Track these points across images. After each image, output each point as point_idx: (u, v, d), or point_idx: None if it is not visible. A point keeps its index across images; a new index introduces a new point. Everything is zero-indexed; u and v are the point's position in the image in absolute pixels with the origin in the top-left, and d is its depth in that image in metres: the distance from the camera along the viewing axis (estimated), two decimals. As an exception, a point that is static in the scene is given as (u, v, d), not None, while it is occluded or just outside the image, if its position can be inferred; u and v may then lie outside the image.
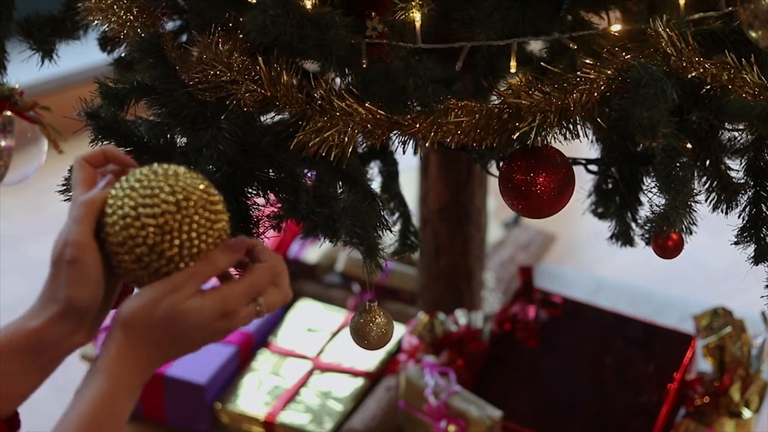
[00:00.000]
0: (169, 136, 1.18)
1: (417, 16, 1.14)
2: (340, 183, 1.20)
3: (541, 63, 1.17)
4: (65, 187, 1.18)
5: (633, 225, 1.41)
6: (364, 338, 1.14)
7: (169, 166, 0.92)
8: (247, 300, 0.90)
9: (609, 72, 1.11)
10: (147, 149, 1.17)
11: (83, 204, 0.90)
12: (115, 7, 1.20)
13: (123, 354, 0.88)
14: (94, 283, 0.90)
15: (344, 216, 1.12)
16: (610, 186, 1.41)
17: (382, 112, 1.11)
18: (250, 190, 1.17)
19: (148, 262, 0.89)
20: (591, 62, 1.12)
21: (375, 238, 1.15)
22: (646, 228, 1.13)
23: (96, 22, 1.22)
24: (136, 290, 0.92)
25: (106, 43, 1.41)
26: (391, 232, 1.21)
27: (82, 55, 1.93)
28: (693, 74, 1.09)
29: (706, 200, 1.21)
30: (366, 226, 1.14)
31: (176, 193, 0.89)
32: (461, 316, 1.91)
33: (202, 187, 0.91)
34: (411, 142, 1.14)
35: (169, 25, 1.28)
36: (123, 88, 1.19)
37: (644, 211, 1.28)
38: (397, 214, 1.39)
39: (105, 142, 1.17)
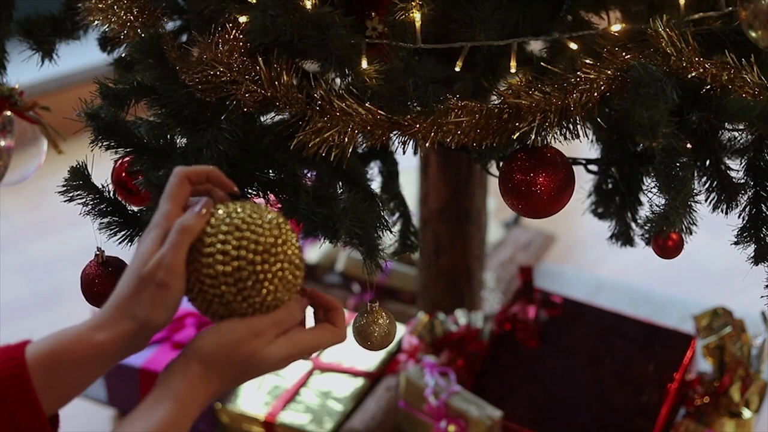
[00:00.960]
0: (169, 136, 1.18)
1: (417, 16, 1.14)
2: (340, 183, 1.20)
3: (541, 63, 1.17)
4: (65, 188, 1.18)
5: (633, 225, 1.41)
6: (366, 339, 1.14)
7: (274, 213, 0.95)
8: (309, 353, 0.97)
9: (609, 72, 1.11)
10: (147, 150, 1.17)
11: (185, 230, 0.91)
12: (115, 7, 1.20)
13: (197, 384, 0.92)
14: (174, 308, 0.92)
15: (344, 216, 1.12)
16: (610, 186, 1.41)
17: (382, 113, 1.11)
18: (250, 191, 1.17)
19: (230, 300, 0.92)
20: (591, 62, 1.12)
21: (375, 238, 1.16)
22: (646, 228, 1.13)
23: (96, 22, 1.22)
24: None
25: (106, 43, 1.41)
26: (391, 232, 1.22)
27: (82, 55, 1.93)
28: (693, 74, 1.09)
29: (706, 200, 1.21)
30: (366, 226, 1.15)
31: (277, 246, 0.93)
32: (461, 316, 1.91)
33: (296, 243, 0.95)
34: (411, 142, 1.14)
35: (169, 25, 1.28)
36: (123, 88, 1.19)
37: (644, 211, 1.28)
38: (397, 215, 1.39)
39: (105, 143, 1.17)
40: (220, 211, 0.94)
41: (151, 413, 0.90)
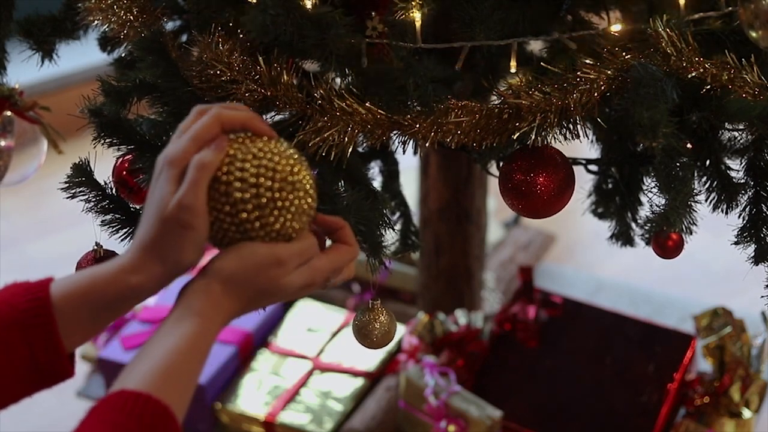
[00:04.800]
0: (171, 134, 1.17)
1: (417, 15, 1.14)
2: (342, 182, 1.20)
3: (541, 63, 1.17)
4: (68, 185, 1.18)
5: (633, 225, 1.41)
6: (366, 337, 1.14)
7: (289, 145, 0.95)
8: (329, 275, 0.96)
9: (609, 72, 1.11)
10: (149, 147, 1.17)
11: (202, 167, 0.90)
12: (115, 7, 1.20)
13: (218, 303, 0.91)
14: (202, 247, 0.92)
15: (348, 214, 1.12)
16: (610, 186, 1.41)
17: (383, 112, 1.11)
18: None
19: (248, 228, 0.92)
20: (591, 62, 1.12)
21: (379, 235, 1.16)
22: (646, 228, 1.13)
23: (96, 22, 1.22)
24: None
25: (106, 43, 1.41)
26: (393, 230, 1.22)
27: (82, 55, 1.93)
28: (693, 74, 1.09)
29: (706, 200, 1.21)
30: (370, 223, 1.15)
31: (294, 174, 0.93)
32: (461, 316, 1.91)
33: (310, 173, 0.95)
34: (411, 141, 1.14)
35: (169, 25, 1.28)
36: (125, 86, 1.19)
37: (644, 211, 1.29)
38: (397, 214, 1.39)
39: (108, 140, 1.17)
40: (237, 144, 0.93)
41: (176, 330, 0.90)
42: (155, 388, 0.86)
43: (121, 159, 1.20)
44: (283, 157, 0.93)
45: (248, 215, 0.91)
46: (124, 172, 1.19)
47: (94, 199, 1.18)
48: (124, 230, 1.18)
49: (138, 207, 1.20)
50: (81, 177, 1.18)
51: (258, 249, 0.92)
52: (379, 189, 1.28)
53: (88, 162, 1.19)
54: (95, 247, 1.17)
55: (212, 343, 0.92)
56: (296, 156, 0.94)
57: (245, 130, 0.94)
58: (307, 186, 0.94)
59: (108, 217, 1.18)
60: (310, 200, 0.95)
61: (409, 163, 1.58)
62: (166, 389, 0.87)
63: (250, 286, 0.92)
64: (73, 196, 1.18)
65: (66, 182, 1.18)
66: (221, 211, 0.91)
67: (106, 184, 1.20)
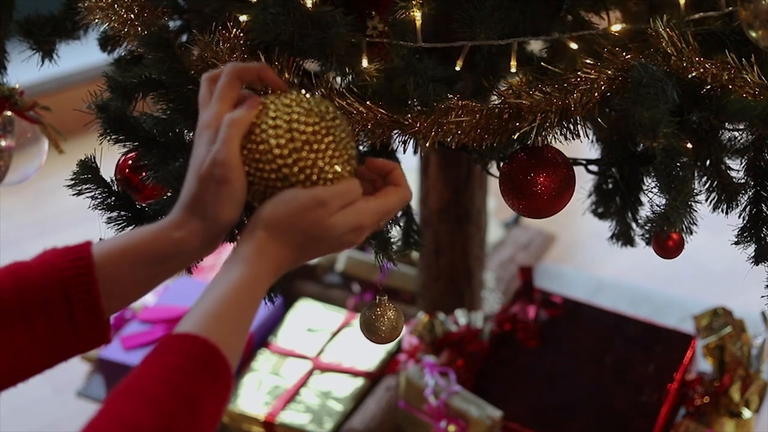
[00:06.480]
0: (177, 130, 1.18)
1: (417, 14, 1.14)
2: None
3: (541, 63, 1.17)
4: (74, 182, 1.18)
5: (633, 225, 1.41)
6: (374, 333, 1.14)
7: (321, 99, 0.96)
8: (379, 219, 0.95)
9: (609, 72, 1.11)
10: (155, 144, 1.16)
11: (233, 123, 0.92)
12: (115, 6, 1.20)
13: (264, 249, 0.92)
14: (239, 202, 0.93)
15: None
16: (610, 186, 1.41)
17: (383, 111, 1.11)
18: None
19: (287, 174, 0.93)
20: (591, 62, 1.12)
21: (386, 231, 1.16)
22: (647, 228, 1.13)
23: (96, 20, 1.22)
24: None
25: (106, 43, 1.41)
26: (399, 227, 1.22)
27: (82, 55, 1.93)
28: (693, 74, 1.10)
29: (706, 200, 1.21)
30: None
31: (328, 119, 0.94)
32: (461, 316, 1.91)
33: (345, 119, 0.96)
34: (411, 141, 1.14)
35: (170, 25, 1.28)
36: (131, 81, 1.19)
37: (645, 211, 1.29)
38: (399, 213, 1.39)
39: (113, 136, 1.17)
40: (268, 98, 0.95)
41: (223, 278, 0.91)
42: (203, 330, 0.87)
43: (123, 157, 1.20)
44: (314, 105, 0.94)
45: (285, 160, 0.92)
46: (127, 170, 1.19)
47: (100, 196, 1.19)
48: (130, 228, 1.18)
49: (142, 205, 1.20)
50: (87, 173, 1.18)
51: (299, 192, 0.92)
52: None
53: (95, 158, 1.19)
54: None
55: (262, 289, 0.92)
56: (329, 105, 0.95)
57: (263, 82, 0.97)
58: (343, 131, 0.95)
59: (113, 214, 1.18)
60: (348, 144, 0.95)
61: (409, 164, 1.58)
62: (213, 330, 0.88)
63: (294, 230, 0.92)
64: (79, 193, 1.18)
65: (72, 179, 1.18)
66: (260, 161, 0.93)
67: (111, 181, 1.20)
